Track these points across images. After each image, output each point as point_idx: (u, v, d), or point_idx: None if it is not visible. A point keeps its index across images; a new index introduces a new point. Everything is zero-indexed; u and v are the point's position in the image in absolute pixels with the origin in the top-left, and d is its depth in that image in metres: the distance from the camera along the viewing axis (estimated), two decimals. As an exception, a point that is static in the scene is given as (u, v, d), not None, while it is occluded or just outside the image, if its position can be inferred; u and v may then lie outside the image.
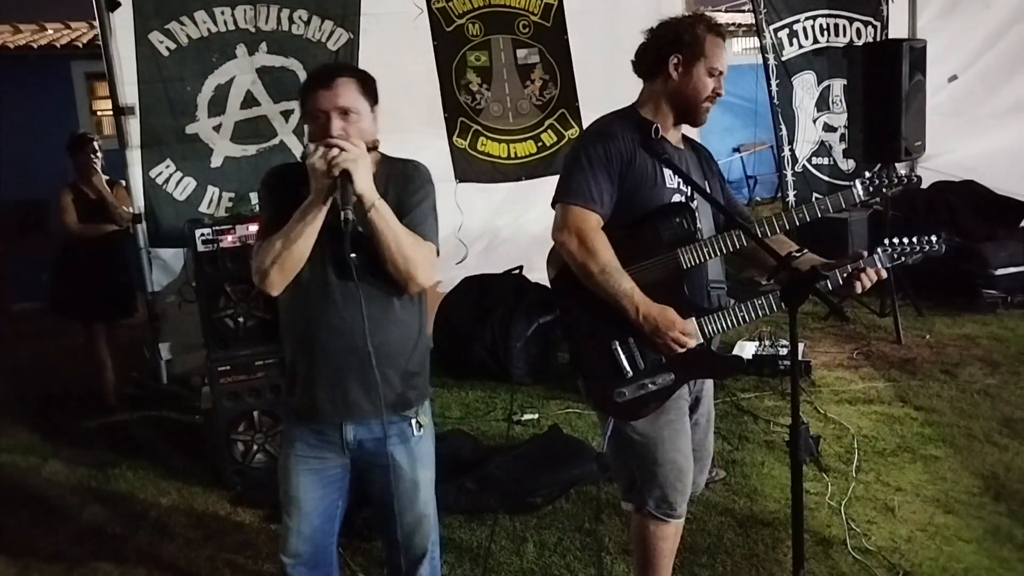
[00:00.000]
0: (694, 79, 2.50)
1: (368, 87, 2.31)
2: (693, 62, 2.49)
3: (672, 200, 2.49)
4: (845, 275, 2.47)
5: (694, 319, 2.45)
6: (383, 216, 2.15)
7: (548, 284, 2.64)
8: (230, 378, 4.15)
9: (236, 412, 4.17)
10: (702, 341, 2.46)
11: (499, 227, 6.12)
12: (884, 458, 4.05)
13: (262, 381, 4.19)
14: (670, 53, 2.50)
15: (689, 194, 2.53)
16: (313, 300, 2.25)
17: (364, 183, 2.12)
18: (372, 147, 2.25)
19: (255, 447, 4.20)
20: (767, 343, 5.37)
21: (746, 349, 5.37)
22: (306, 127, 2.29)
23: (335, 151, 2.10)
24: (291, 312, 2.33)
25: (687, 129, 2.68)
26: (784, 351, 5.23)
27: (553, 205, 2.51)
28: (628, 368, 2.45)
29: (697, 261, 2.46)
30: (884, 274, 2.48)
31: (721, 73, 2.51)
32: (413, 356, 2.39)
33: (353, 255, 2.14)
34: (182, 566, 3.52)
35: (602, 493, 3.75)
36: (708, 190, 2.57)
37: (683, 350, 2.41)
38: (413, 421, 2.41)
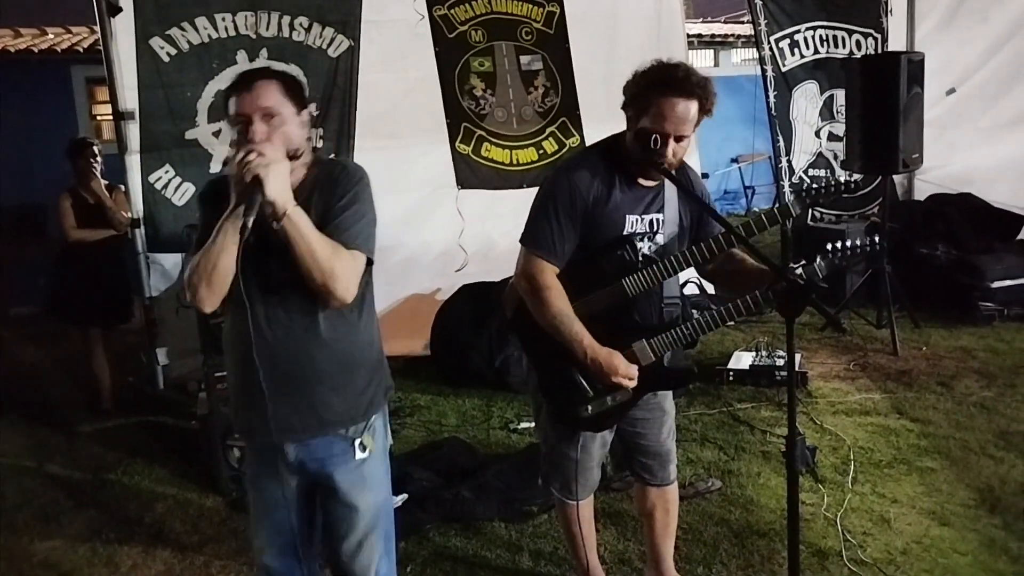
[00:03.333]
0: (636, 136, 2.49)
1: (292, 90, 2.18)
2: (637, 118, 2.48)
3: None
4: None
5: (644, 341, 2.60)
6: (296, 225, 2.02)
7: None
8: (227, 384, 4.14)
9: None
10: (653, 360, 2.61)
11: (498, 235, 6.13)
12: (880, 470, 4.05)
13: (259, 387, 4.17)
14: (624, 104, 2.54)
15: (650, 231, 2.63)
16: (239, 316, 2.14)
17: (275, 189, 1.98)
18: (293, 156, 2.12)
19: (251, 453, 4.19)
20: (764, 353, 5.38)
21: (743, 359, 5.38)
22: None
23: (251, 155, 1.99)
24: (226, 328, 2.26)
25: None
26: (781, 362, 5.24)
27: (520, 241, 2.64)
28: (588, 388, 2.64)
29: (642, 288, 2.58)
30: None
31: (667, 135, 2.41)
32: (352, 374, 2.26)
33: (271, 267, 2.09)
34: (177, 572, 3.51)
35: (598, 502, 3.75)
36: (679, 225, 2.67)
37: (629, 387, 2.58)
38: (356, 442, 2.28)
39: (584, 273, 2.60)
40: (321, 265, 2.05)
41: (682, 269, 2.61)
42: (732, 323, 6.57)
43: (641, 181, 2.61)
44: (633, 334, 2.60)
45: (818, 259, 2.59)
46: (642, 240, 2.61)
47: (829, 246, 2.61)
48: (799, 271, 2.53)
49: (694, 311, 2.80)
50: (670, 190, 2.65)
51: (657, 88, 2.42)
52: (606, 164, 2.59)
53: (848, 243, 2.60)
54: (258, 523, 2.36)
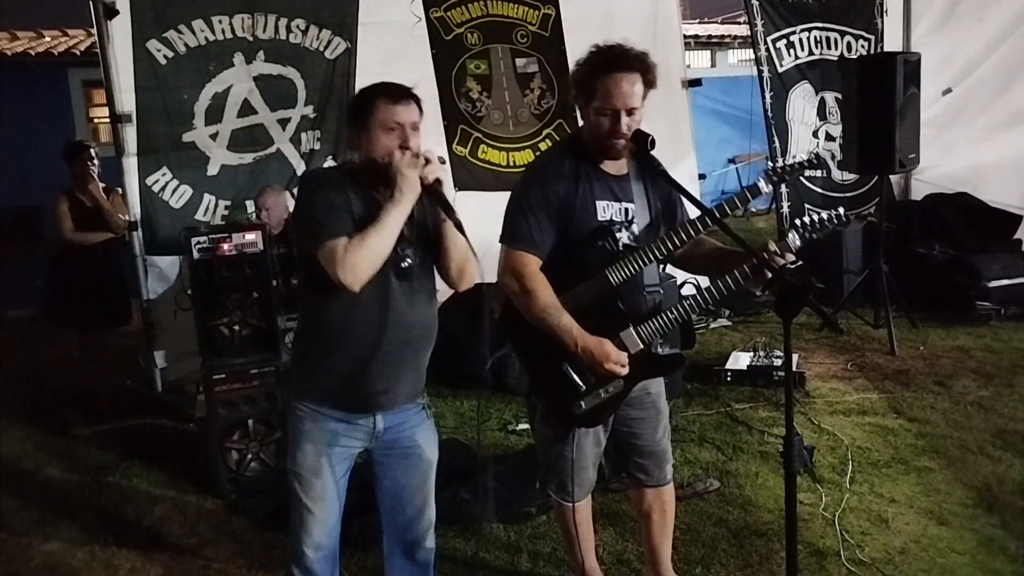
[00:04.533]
0: (590, 121, 2.59)
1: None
2: (588, 103, 2.57)
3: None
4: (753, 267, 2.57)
5: (631, 329, 2.63)
6: (459, 219, 2.37)
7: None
8: (225, 386, 4.15)
9: (231, 420, 4.16)
10: (642, 347, 2.63)
11: (495, 236, 6.13)
12: (878, 469, 4.05)
13: (257, 389, 4.18)
14: (574, 95, 2.63)
15: (626, 220, 2.67)
16: (374, 299, 2.35)
17: (450, 191, 2.33)
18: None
19: (249, 456, 4.19)
20: (761, 354, 5.39)
21: (740, 360, 5.38)
22: (374, 134, 2.35)
23: (425, 161, 2.29)
24: (346, 311, 2.36)
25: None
26: (778, 362, 5.24)
27: (500, 240, 2.69)
28: (580, 382, 2.65)
29: (625, 276, 2.61)
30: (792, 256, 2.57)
31: (617, 111, 2.51)
32: (433, 344, 2.58)
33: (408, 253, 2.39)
34: (176, 574, 3.51)
35: (596, 503, 3.75)
36: (649, 213, 2.72)
37: (621, 373, 2.59)
38: (425, 405, 2.62)
39: (568, 267, 2.62)
40: (469, 252, 2.44)
41: (663, 254, 2.65)
42: (725, 319, 6.58)
43: (605, 168, 2.66)
44: (620, 323, 2.63)
45: (791, 234, 2.64)
46: (620, 230, 2.65)
47: (798, 220, 2.67)
48: (785, 261, 2.55)
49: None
50: (636, 182, 2.71)
51: (600, 69, 2.53)
52: (571, 156, 2.66)
53: (816, 217, 2.65)
54: (320, 497, 2.47)
